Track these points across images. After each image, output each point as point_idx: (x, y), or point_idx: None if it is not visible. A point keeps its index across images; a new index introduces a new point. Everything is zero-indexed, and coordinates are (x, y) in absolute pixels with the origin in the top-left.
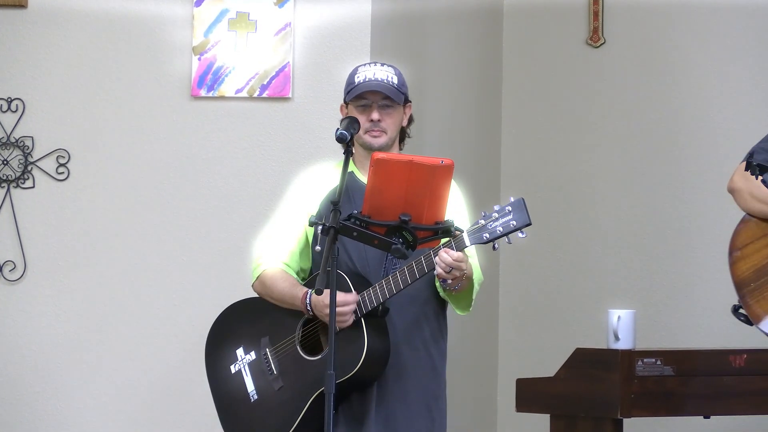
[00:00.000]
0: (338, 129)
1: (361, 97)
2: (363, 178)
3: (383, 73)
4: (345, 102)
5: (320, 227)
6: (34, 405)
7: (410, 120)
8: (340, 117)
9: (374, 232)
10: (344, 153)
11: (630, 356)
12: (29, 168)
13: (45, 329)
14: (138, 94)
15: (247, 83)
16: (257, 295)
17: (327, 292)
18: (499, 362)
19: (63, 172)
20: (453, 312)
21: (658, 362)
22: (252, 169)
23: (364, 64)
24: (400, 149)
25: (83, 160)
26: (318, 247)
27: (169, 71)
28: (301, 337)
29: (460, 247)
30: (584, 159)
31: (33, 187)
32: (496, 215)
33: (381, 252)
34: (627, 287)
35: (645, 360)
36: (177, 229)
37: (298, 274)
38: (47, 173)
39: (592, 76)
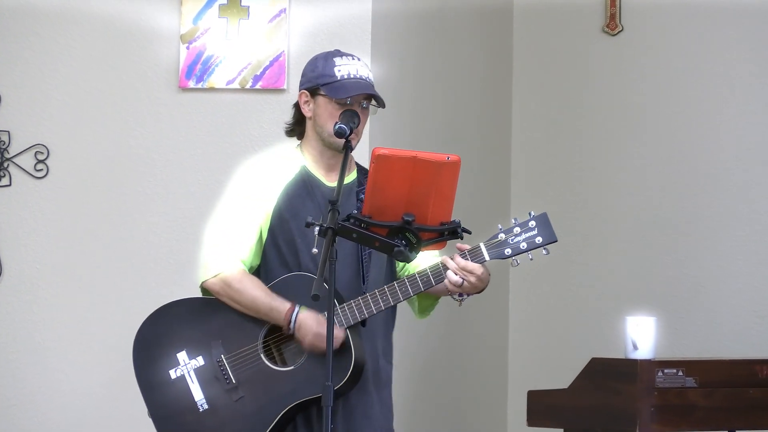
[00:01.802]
0: (337, 123)
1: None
2: (318, 174)
3: (365, 71)
4: (313, 92)
5: (317, 228)
6: (11, 412)
7: None
8: (300, 106)
9: (375, 233)
10: (343, 149)
11: (649, 366)
12: (5, 164)
13: (22, 336)
14: (122, 86)
15: (239, 74)
16: (201, 295)
17: (316, 321)
18: (509, 373)
19: (41, 169)
20: (472, 320)
21: (680, 373)
22: None
23: (340, 56)
24: None
25: (63, 156)
26: (315, 250)
27: (155, 61)
28: (263, 345)
29: (479, 261)
30: (599, 155)
31: (9, 185)
32: (518, 229)
33: (356, 257)
34: (646, 293)
35: (666, 370)
36: (163, 229)
37: (249, 271)
38: (24, 170)
39: (608, 66)
